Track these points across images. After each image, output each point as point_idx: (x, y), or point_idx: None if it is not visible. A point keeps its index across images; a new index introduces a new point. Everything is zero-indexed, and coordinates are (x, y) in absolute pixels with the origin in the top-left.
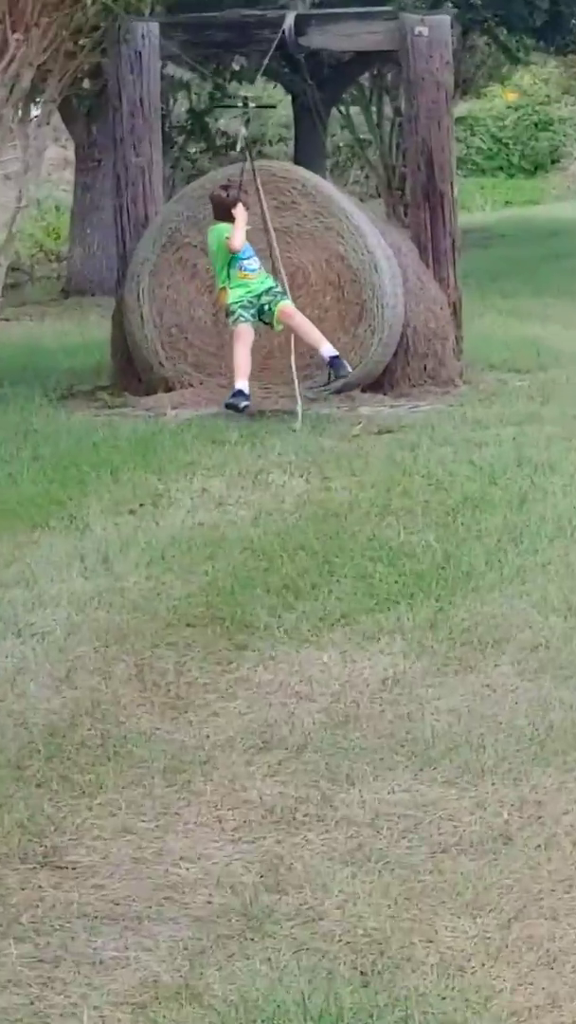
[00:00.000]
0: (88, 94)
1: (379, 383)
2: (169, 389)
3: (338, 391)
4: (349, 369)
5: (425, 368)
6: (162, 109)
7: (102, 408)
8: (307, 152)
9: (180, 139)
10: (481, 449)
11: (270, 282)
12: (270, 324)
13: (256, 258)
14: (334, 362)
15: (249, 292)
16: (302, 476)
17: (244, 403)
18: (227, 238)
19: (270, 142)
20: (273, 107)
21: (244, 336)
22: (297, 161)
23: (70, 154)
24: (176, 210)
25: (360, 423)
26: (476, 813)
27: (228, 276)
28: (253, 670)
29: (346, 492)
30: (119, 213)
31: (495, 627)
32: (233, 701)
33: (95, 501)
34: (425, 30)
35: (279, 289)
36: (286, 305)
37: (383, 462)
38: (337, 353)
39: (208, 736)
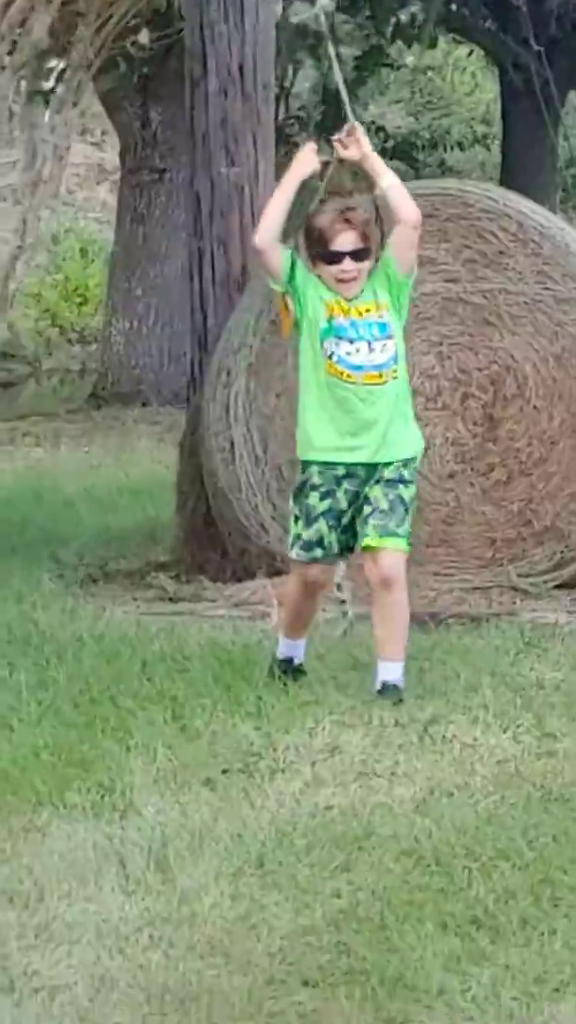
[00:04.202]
0: (145, 56)
1: None
2: (277, 573)
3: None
4: (401, 697)
5: None
6: (277, 85)
7: (157, 601)
8: (524, 168)
9: (302, 137)
10: None
11: (388, 407)
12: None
13: (369, 336)
14: (386, 687)
15: (326, 466)
16: (506, 729)
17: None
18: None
19: (457, 146)
20: None
21: (304, 573)
22: (506, 182)
23: (110, 159)
24: None
25: None
26: None
27: (321, 357)
28: None
29: None
30: (196, 264)
31: None
32: None
33: (143, 763)
34: None
35: (403, 469)
36: (391, 544)
37: None
38: (401, 680)
39: None
